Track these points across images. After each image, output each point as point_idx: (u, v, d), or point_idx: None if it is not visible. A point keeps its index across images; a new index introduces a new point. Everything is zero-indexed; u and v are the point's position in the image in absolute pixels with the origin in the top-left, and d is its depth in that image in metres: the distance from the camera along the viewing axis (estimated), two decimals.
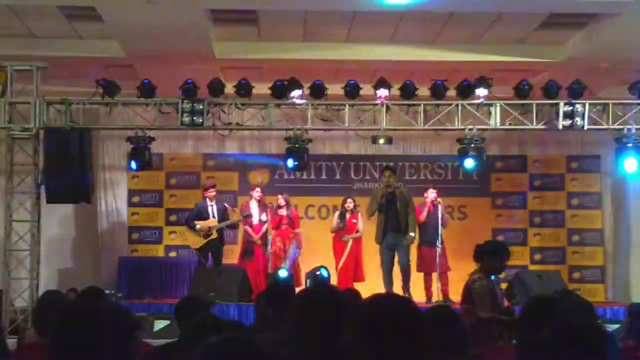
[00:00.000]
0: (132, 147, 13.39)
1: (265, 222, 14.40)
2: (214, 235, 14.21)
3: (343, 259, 14.29)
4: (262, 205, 14.59)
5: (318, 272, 13.58)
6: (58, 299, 5.90)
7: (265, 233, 14.40)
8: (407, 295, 12.79)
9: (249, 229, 14.44)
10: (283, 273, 13.47)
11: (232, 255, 14.98)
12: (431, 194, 14.37)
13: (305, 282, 13.64)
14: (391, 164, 14.82)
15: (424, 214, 14.21)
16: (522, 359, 4.10)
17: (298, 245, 14.43)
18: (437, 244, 13.93)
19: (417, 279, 14.18)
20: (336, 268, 14.23)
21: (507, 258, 7.76)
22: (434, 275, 14.07)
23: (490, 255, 7.67)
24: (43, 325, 5.47)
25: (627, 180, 15.29)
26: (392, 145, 13.98)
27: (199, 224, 14.24)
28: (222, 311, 11.91)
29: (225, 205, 14.69)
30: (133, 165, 13.48)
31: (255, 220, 14.44)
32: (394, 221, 13.71)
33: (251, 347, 2.63)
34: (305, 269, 14.17)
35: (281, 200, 14.50)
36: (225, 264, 14.44)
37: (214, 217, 14.33)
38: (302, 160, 13.31)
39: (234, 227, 14.94)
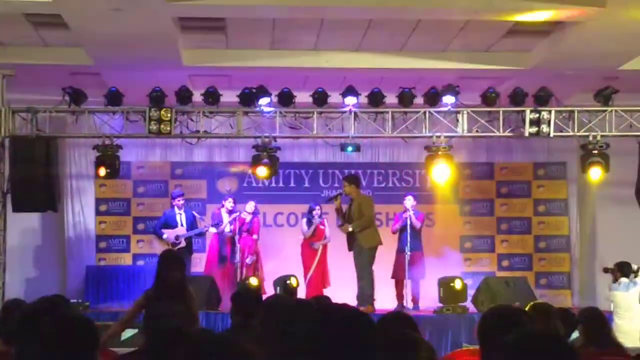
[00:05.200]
0: (99, 155, 13.32)
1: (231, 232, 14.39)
2: (182, 244, 14.16)
3: (313, 266, 14.24)
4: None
5: (288, 281, 13.58)
6: (21, 307, 5.85)
7: (233, 244, 14.35)
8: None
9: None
10: (253, 281, 13.49)
11: (200, 264, 14.92)
12: (408, 201, 14.34)
13: (275, 289, 13.59)
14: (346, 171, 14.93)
15: (397, 225, 14.23)
16: None
17: (251, 251, 14.38)
18: (406, 251, 13.97)
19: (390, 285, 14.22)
20: (305, 276, 14.19)
21: None
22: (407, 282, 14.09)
23: None
24: (8, 334, 5.43)
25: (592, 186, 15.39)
26: (360, 152, 14.03)
27: (166, 233, 14.18)
28: None
29: (194, 213, 14.63)
30: (100, 173, 13.39)
31: (226, 229, 14.37)
32: None
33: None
34: (273, 276, 14.13)
35: (251, 206, 14.47)
36: (193, 272, 14.39)
37: (182, 225, 14.27)
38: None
39: (202, 235, 14.89)
